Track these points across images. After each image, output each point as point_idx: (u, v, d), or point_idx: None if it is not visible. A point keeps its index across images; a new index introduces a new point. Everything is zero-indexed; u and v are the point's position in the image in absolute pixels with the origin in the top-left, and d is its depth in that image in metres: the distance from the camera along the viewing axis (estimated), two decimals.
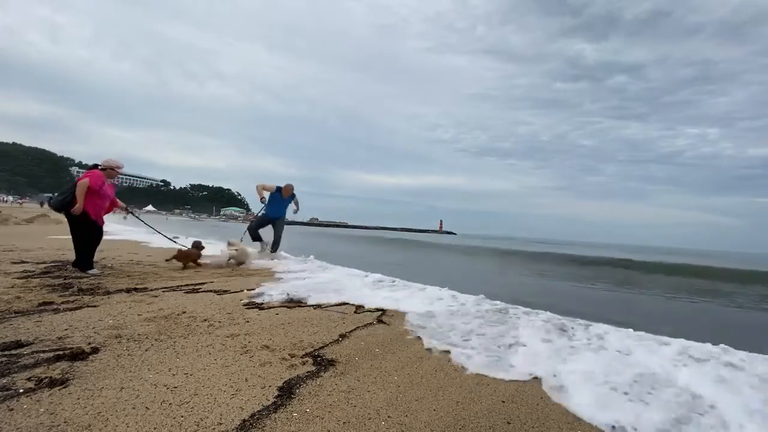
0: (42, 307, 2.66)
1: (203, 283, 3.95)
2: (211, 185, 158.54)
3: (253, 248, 6.11)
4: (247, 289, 3.62)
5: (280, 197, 7.07)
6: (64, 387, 1.52)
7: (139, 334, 2.20)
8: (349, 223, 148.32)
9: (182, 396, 1.52)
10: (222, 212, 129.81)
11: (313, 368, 1.89)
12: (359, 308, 3.22)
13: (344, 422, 1.44)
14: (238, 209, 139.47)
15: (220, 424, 1.35)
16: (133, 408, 1.41)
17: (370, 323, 2.79)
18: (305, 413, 1.47)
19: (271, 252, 6.89)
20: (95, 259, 4.41)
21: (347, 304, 3.34)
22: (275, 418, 1.41)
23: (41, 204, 30.30)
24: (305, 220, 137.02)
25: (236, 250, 5.45)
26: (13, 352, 1.83)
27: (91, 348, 1.92)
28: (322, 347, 2.20)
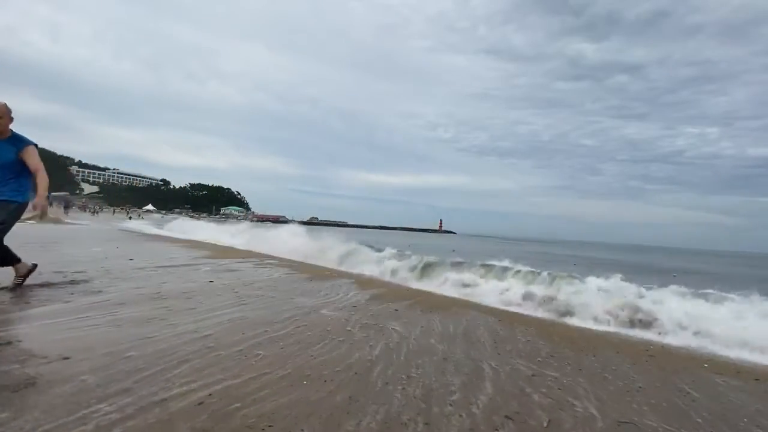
0: None
1: None
2: (210, 184, 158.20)
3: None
4: None
5: None
6: None
7: None
8: (349, 223, 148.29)
9: None
10: (222, 211, 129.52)
11: None
12: None
13: None
14: (238, 208, 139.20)
15: None
16: None
17: None
18: None
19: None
20: None
21: None
22: None
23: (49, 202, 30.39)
24: (305, 219, 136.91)
25: None
26: None
27: None
28: None
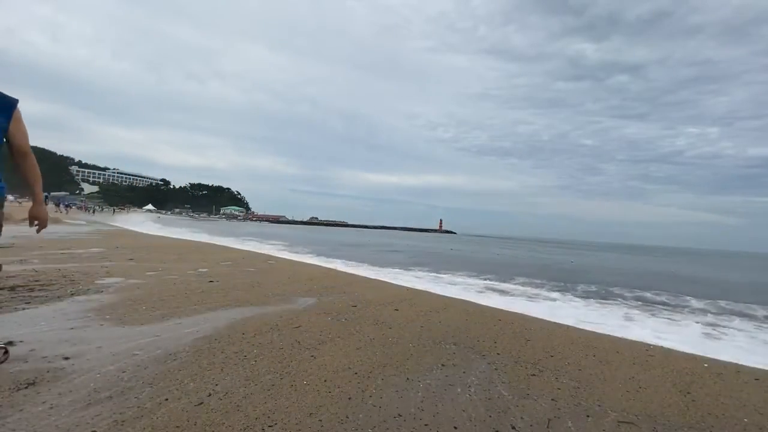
0: None
1: None
2: (210, 184, 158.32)
3: None
4: None
5: None
6: None
7: None
8: (349, 222, 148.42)
9: None
10: (222, 211, 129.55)
11: None
12: None
13: None
14: (238, 208, 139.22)
15: None
16: None
17: None
18: None
19: None
20: None
21: None
22: None
23: (47, 202, 30.49)
24: (305, 219, 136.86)
25: None
26: None
27: None
28: None
